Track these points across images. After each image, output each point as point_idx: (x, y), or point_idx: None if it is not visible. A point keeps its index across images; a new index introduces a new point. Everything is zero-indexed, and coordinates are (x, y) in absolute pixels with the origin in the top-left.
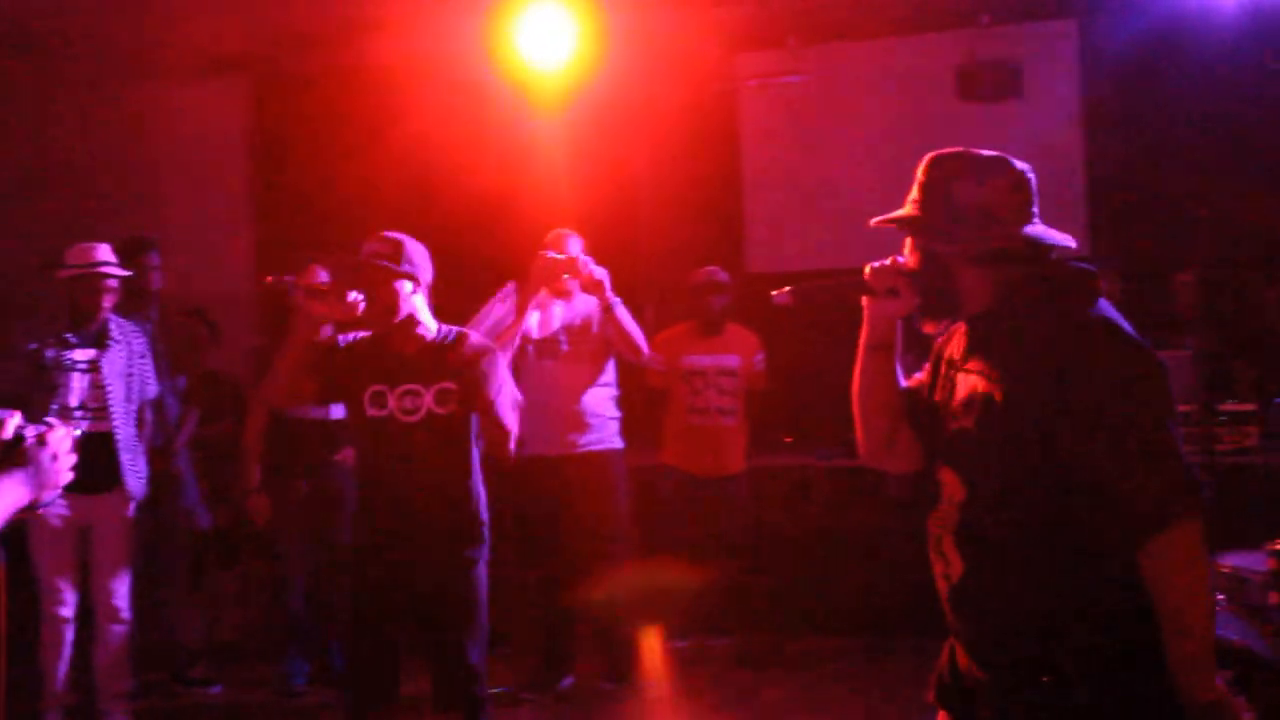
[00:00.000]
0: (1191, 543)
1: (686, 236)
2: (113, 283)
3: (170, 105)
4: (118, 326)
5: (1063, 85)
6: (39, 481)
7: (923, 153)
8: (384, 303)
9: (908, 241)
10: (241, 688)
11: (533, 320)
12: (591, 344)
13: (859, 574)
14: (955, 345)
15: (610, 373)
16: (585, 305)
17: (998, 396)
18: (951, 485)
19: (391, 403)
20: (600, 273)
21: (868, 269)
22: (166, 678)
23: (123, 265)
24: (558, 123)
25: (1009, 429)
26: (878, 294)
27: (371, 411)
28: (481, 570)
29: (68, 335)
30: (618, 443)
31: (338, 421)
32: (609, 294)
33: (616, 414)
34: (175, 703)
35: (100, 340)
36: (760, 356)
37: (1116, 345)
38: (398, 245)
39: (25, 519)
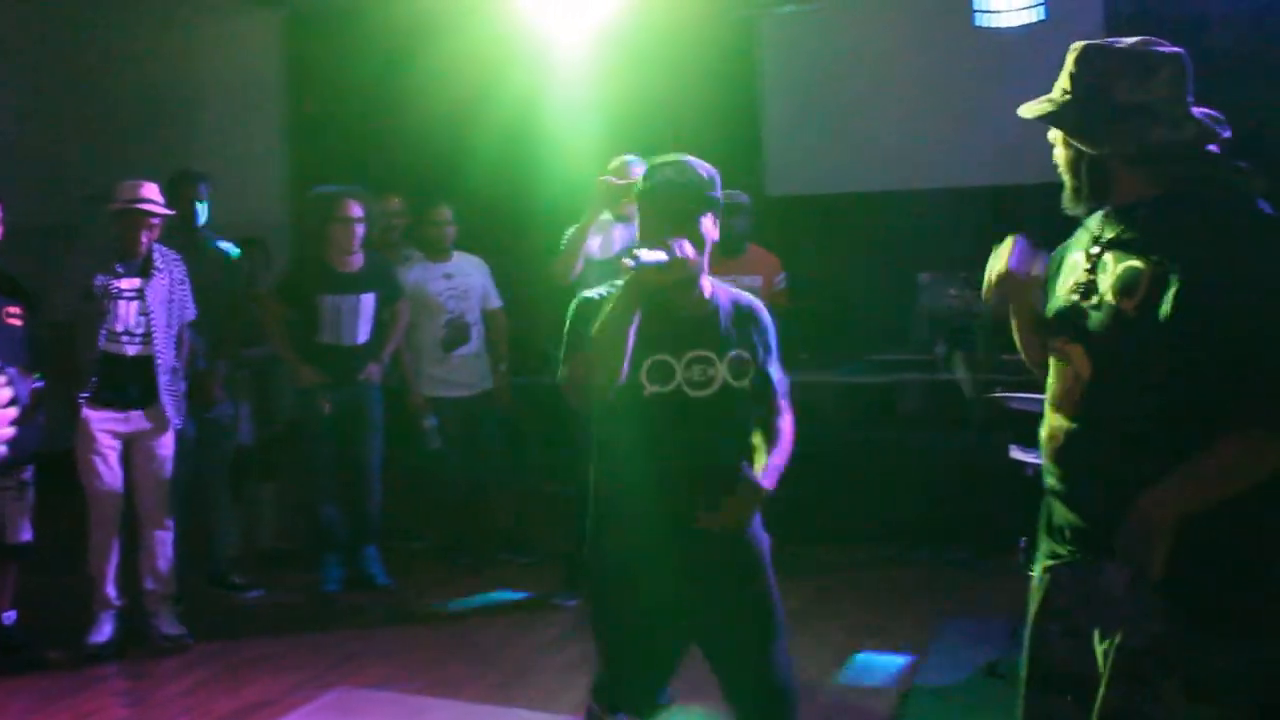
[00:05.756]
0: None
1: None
2: (155, 220)
3: (207, 40)
4: (161, 256)
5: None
6: None
7: (938, 80)
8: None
9: (1057, 135)
10: (279, 592)
11: (594, 244)
12: None
13: (874, 487)
14: (1101, 229)
15: None
16: None
17: (1169, 282)
18: (1079, 361)
19: (679, 373)
20: None
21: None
22: (208, 582)
23: (171, 197)
24: (581, 50)
25: (1178, 312)
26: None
27: (652, 388)
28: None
29: (116, 265)
30: None
31: (365, 345)
32: None
33: None
34: (217, 606)
35: (145, 270)
36: (781, 277)
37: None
38: (694, 169)
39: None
